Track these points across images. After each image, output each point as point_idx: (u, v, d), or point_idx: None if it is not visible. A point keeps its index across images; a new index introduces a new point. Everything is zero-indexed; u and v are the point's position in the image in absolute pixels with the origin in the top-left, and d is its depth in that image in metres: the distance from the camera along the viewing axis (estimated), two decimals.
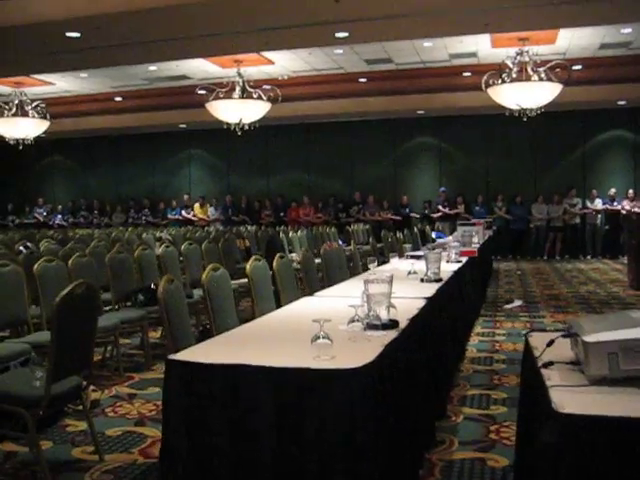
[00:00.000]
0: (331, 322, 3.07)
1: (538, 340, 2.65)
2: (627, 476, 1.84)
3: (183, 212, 18.83)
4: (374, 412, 2.51)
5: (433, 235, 11.50)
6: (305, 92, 16.03)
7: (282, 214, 18.15)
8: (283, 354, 2.67)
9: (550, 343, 2.41)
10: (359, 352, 2.61)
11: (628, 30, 12.09)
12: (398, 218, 17.10)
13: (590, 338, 2.09)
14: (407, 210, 17.38)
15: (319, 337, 2.57)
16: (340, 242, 11.48)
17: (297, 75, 15.35)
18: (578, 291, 10.33)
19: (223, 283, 4.20)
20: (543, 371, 2.27)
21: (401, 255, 7.02)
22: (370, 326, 2.99)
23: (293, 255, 9.12)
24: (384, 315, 3.05)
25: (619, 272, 12.74)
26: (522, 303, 8.91)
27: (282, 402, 2.43)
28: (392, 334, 2.97)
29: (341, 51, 13.38)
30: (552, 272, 13.39)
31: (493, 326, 7.39)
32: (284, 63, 14.30)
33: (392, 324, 3.08)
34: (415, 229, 11.87)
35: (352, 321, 3.01)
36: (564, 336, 2.38)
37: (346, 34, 10.59)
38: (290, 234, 11.69)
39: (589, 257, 16.41)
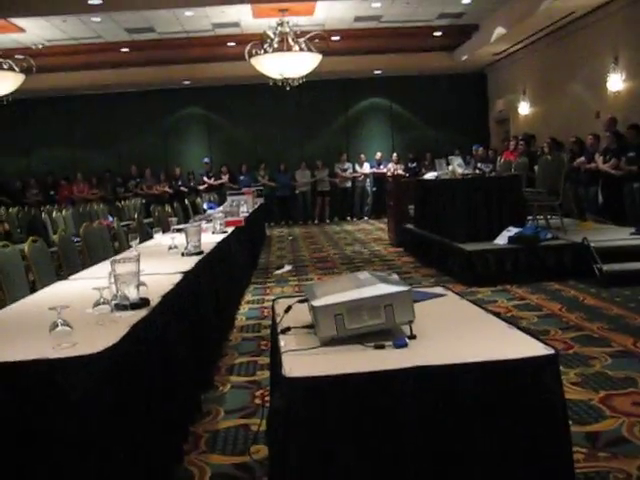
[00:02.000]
0: (79, 306, 2.97)
1: (283, 306, 2.75)
2: (353, 430, 1.98)
3: None
4: (123, 395, 2.47)
5: (204, 206, 11.48)
6: (64, 62, 15.10)
7: (52, 192, 17.09)
8: (21, 346, 2.51)
9: (288, 309, 2.52)
10: (104, 336, 2.54)
11: (378, 5, 12.82)
12: (170, 191, 16.84)
13: (318, 302, 2.22)
14: (180, 182, 17.18)
15: (57, 325, 2.46)
16: (110, 219, 11.09)
17: (53, 44, 14.39)
18: (344, 252, 10.90)
19: None
20: (281, 336, 2.37)
21: (166, 229, 6.92)
22: (118, 307, 2.91)
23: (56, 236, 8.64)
24: (133, 294, 3.00)
25: (382, 231, 13.60)
26: (292, 268, 9.21)
27: (22, 400, 2.29)
28: (141, 313, 2.92)
29: (99, 19, 12.76)
30: (321, 235, 14.01)
31: (263, 292, 7.57)
32: (36, 31, 13.30)
33: (142, 303, 3.03)
34: (186, 201, 11.77)
35: (98, 304, 2.91)
36: (300, 301, 2.50)
37: (100, 1, 10.10)
38: (55, 214, 11.06)
39: (356, 219, 17.38)
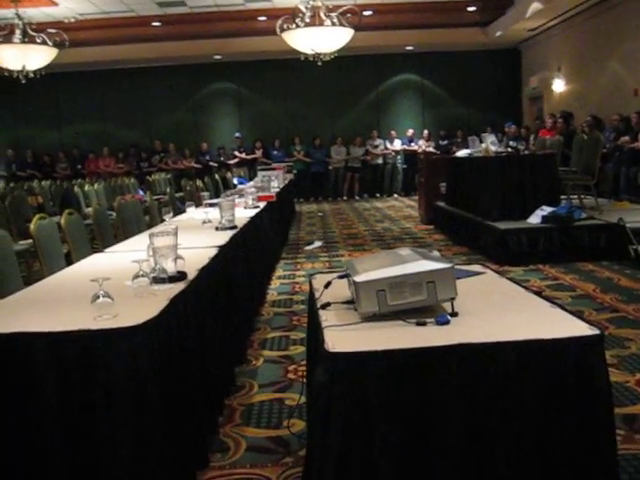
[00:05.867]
0: (117, 279, 2.98)
1: (321, 282, 2.75)
2: (395, 405, 1.97)
3: None
4: (162, 367, 2.49)
5: (235, 181, 11.49)
6: (96, 36, 15.13)
7: (80, 167, 17.27)
8: (63, 317, 2.54)
9: (327, 285, 2.51)
10: (144, 308, 2.55)
11: None
12: (199, 166, 16.88)
13: (360, 278, 2.20)
14: (208, 157, 17.21)
15: (99, 296, 2.48)
16: (141, 193, 11.17)
17: (85, 18, 14.42)
18: (374, 228, 10.87)
19: (3, 246, 3.94)
20: (320, 312, 2.36)
21: (199, 204, 6.94)
22: (157, 280, 2.93)
23: (90, 209, 8.72)
24: (171, 268, 3.01)
25: (412, 209, 13.54)
26: (322, 244, 9.21)
27: (65, 369, 2.31)
28: (179, 286, 2.94)
29: None
30: (351, 212, 13.97)
31: (294, 268, 7.58)
32: (69, 5, 13.36)
33: (180, 276, 3.05)
34: (216, 176, 11.79)
35: (137, 277, 2.93)
36: (340, 277, 2.49)
37: None
38: (86, 187, 11.15)
39: (386, 195, 17.31)
